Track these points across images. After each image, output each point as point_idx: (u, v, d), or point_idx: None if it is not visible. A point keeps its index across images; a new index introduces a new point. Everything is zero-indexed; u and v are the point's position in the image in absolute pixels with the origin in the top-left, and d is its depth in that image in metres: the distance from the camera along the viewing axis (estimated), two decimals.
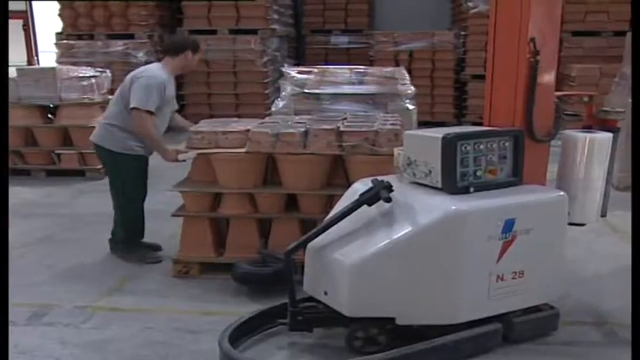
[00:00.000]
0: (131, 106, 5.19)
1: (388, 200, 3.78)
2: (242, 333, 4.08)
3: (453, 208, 3.70)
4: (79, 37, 12.25)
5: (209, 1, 12.05)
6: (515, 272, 3.89)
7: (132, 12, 12.11)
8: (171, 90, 5.46)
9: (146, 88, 5.19)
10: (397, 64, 11.77)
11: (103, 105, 9.17)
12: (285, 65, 10.08)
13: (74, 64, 10.58)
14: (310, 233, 4.01)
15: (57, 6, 12.35)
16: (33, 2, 17.70)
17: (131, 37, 12.04)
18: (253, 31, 12.06)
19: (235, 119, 6.04)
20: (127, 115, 5.29)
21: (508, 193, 3.93)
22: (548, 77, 4.13)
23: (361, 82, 7.53)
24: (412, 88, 7.66)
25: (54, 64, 11.47)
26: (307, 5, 14.90)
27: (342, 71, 7.74)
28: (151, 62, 11.79)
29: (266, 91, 12.23)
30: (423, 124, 8.32)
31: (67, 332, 4.35)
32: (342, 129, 5.01)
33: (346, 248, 3.82)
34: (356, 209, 3.87)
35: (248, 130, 5.11)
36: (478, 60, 12.68)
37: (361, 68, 7.99)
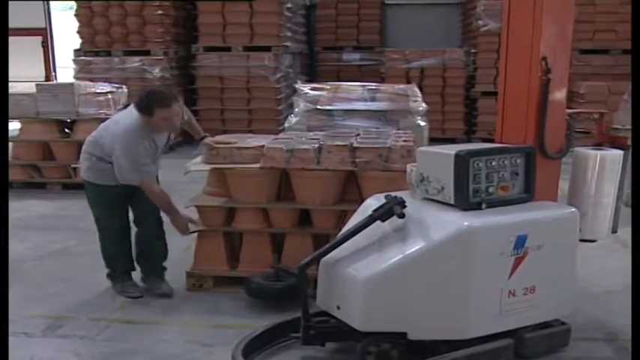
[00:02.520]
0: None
1: (402, 216, 3.82)
2: (255, 347, 4.13)
3: (466, 224, 3.74)
4: (97, 54, 12.37)
5: (224, 19, 12.15)
6: (527, 288, 3.91)
7: (148, 29, 12.23)
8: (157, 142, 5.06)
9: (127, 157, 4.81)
10: (408, 81, 11.82)
11: None
12: (298, 82, 10.16)
13: (91, 79, 10.68)
14: (323, 248, 4.06)
15: (76, 23, 12.49)
16: (52, 20, 17.94)
17: (147, 53, 12.15)
18: (267, 48, 12.15)
19: (249, 135, 6.10)
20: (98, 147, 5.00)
21: (520, 210, 3.96)
22: (559, 95, 4.18)
23: (373, 99, 7.59)
24: (423, 104, 7.72)
25: (72, 80, 11.59)
26: (320, 23, 15.02)
27: (355, 88, 7.80)
28: (166, 79, 12.05)
29: (279, 107, 12.30)
30: (433, 141, 8.36)
31: (81, 344, 4.41)
32: (355, 145, 5.07)
33: (359, 263, 3.85)
34: (370, 225, 3.91)
35: (262, 146, 5.18)
36: (488, 77, 12.72)
37: (373, 85, 8.05)
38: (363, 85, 7.91)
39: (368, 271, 3.78)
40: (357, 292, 3.80)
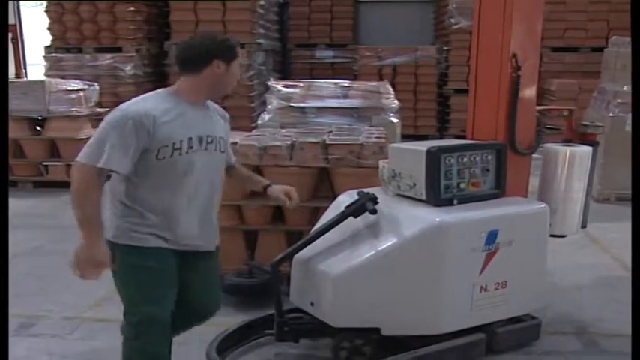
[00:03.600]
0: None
1: (374, 212, 3.84)
2: (229, 344, 4.14)
3: (437, 219, 3.77)
4: (68, 51, 12.28)
5: (196, 16, 12.11)
6: (498, 283, 3.96)
7: (120, 26, 12.15)
8: (181, 126, 3.14)
9: (104, 127, 3.06)
10: (381, 79, 11.88)
11: (91, 117, 9.28)
12: (271, 79, 10.16)
13: (62, 77, 10.61)
14: (296, 245, 4.07)
15: (46, 20, 12.38)
16: (22, 16, 17.73)
17: (119, 50, 12.08)
18: (240, 46, 12.12)
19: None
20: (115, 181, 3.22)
21: (491, 206, 4.01)
22: (529, 92, 4.25)
23: (346, 96, 7.61)
24: (396, 101, 7.76)
25: (43, 77, 11.50)
26: (293, 20, 15.03)
27: (327, 85, 7.82)
28: (138, 76, 11.99)
29: (252, 105, 12.28)
30: (406, 138, 8.40)
31: (54, 343, 4.41)
32: (327, 142, 5.09)
33: (332, 259, 3.87)
34: (342, 221, 3.93)
35: (235, 143, 5.18)
36: (460, 74, 12.83)
37: (346, 82, 8.07)
38: (336, 83, 7.93)
39: (340, 268, 3.80)
40: (329, 288, 3.82)
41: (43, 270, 5.75)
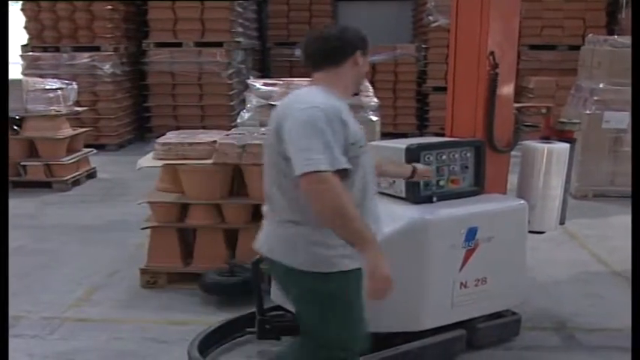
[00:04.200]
0: (297, 172, 2.59)
1: None
2: (211, 342, 4.14)
3: (417, 216, 3.79)
4: (45, 50, 12.17)
5: (174, 14, 12.08)
6: (478, 279, 3.97)
7: (98, 25, 12.07)
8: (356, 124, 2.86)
9: (313, 126, 2.64)
10: None
11: (69, 117, 9.22)
12: (251, 77, 10.15)
13: (40, 76, 10.50)
14: None
15: (22, 18, 12.28)
16: None
17: (97, 49, 12.00)
18: (218, 44, 12.10)
19: (202, 131, 6.08)
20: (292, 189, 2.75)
21: (471, 202, 4.03)
22: (507, 89, 4.25)
23: None
24: (375, 99, 7.76)
25: (20, 76, 11.41)
26: (272, 18, 15.00)
27: (307, 83, 7.81)
28: (117, 75, 11.93)
29: (231, 103, 12.27)
30: (386, 135, 8.44)
31: (35, 344, 4.37)
32: None
33: None
34: None
35: (215, 142, 5.18)
36: (439, 72, 12.86)
37: None
38: None
39: None
40: None
41: (23, 270, 5.71)
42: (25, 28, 12.30)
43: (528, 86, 12.11)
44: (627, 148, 8.05)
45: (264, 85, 7.65)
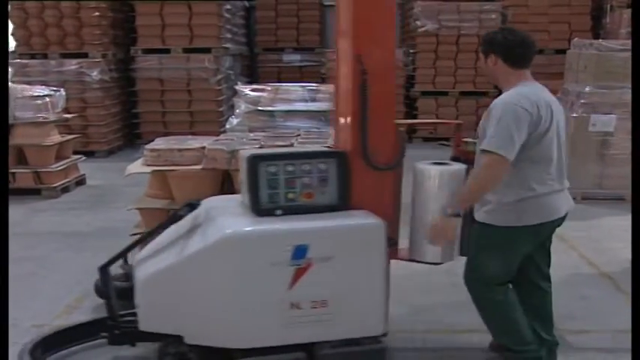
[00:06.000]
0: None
1: (179, 218, 3.81)
2: (50, 346, 4.13)
3: (228, 231, 3.54)
4: (33, 57, 12.16)
5: (162, 20, 12.09)
6: (316, 302, 3.62)
7: (85, 31, 12.06)
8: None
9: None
10: None
11: (58, 124, 9.21)
12: (239, 83, 10.18)
13: (28, 83, 10.49)
14: (125, 247, 4.01)
15: (10, 25, 12.25)
16: None
17: (85, 56, 11.99)
18: (207, 50, 12.12)
19: (190, 137, 6.09)
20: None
21: (312, 218, 3.68)
22: (384, 101, 3.80)
23: (314, 100, 7.63)
24: None
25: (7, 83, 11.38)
26: (259, 24, 15.06)
27: (295, 89, 7.84)
28: (105, 81, 11.91)
29: (220, 109, 12.29)
30: None
31: None
32: (295, 145, 5.12)
33: (147, 263, 3.80)
34: (169, 225, 3.87)
35: (203, 148, 5.19)
36: (427, 77, 12.98)
37: (313, 86, 8.09)
38: (304, 86, 7.95)
39: (147, 271, 3.74)
40: (138, 291, 3.77)
41: (11, 277, 5.67)
42: (13, 35, 12.26)
43: None
44: (614, 151, 8.13)
45: (253, 90, 7.69)
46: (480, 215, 3.71)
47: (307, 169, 3.72)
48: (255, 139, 5.40)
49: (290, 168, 3.70)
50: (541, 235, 3.77)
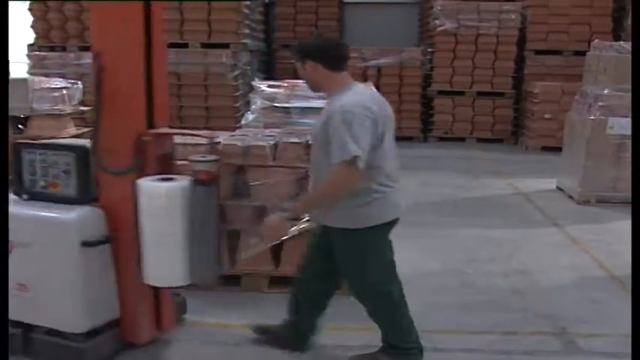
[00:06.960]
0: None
1: None
2: None
3: None
4: (51, 49, 12.23)
5: (181, 15, 12.11)
6: (21, 285, 3.84)
7: None
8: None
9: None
10: (366, 80, 11.91)
11: (74, 116, 9.25)
12: (256, 79, 10.15)
13: (46, 75, 10.54)
14: None
15: (29, 18, 12.34)
16: None
17: None
18: (225, 45, 12.12)
19: (206, 132, 6.09)
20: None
21: (36, 206, 3.89)
22: (122, 103, 3.78)
23: None
24: None
25: (26, 75, 11.45)
26: (278, 20, 15.06)
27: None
28: None
29: (236, 105, 12.29)
30: None
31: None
32: (310, 142, 5.11)
33: None
34: None
35: (218, 143, 5.19)
36: (444, 76, 12.95)
37: None
38: None
39: None
40: None
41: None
42: (32, 27, 12.36)
43: (533, 91, 12.14)
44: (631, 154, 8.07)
45: (269, 87, 7.67)
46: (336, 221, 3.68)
47: (55, 160, 3.94)
48: (270, 136, 5.40)
49: (43, 157, 3.96)
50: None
